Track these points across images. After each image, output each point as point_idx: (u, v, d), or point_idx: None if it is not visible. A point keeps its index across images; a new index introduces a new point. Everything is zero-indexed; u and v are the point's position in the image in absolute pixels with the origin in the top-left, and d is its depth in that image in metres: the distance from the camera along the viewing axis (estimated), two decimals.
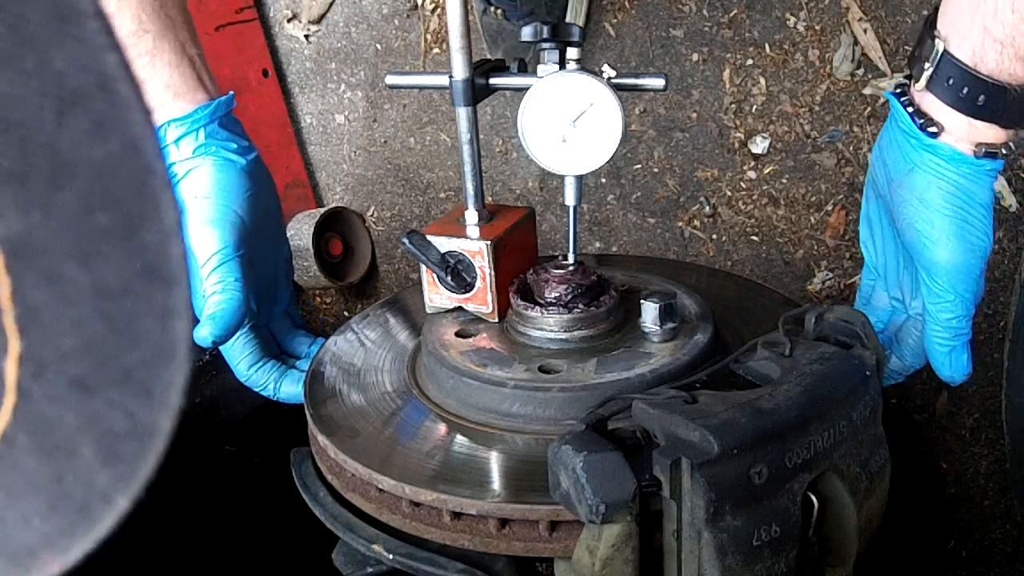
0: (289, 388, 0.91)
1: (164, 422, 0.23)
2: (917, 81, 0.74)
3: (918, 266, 0.77)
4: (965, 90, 0.70)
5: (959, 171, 0.73)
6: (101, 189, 0.21)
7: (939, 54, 0.71)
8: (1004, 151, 0.74)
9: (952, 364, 0.77)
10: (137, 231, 0.21)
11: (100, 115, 0.21)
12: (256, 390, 0.90)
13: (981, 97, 0.70)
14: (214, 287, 0.80)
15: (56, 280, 0.21)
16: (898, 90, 0.78)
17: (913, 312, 0.85)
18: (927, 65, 0.72)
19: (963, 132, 0.73)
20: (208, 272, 0.80)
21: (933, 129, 0.73)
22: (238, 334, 0.86)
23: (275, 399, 0.91)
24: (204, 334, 0.80)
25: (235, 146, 0.82)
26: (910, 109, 0.75)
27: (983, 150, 0.72)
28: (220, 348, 0.86)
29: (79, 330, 0.21)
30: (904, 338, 0.86)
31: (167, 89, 0.79)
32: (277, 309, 0.95)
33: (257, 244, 0.85)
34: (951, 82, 0.71)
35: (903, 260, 0.83)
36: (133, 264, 0.21)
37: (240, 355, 0.89)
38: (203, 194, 0.80)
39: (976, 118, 0.71)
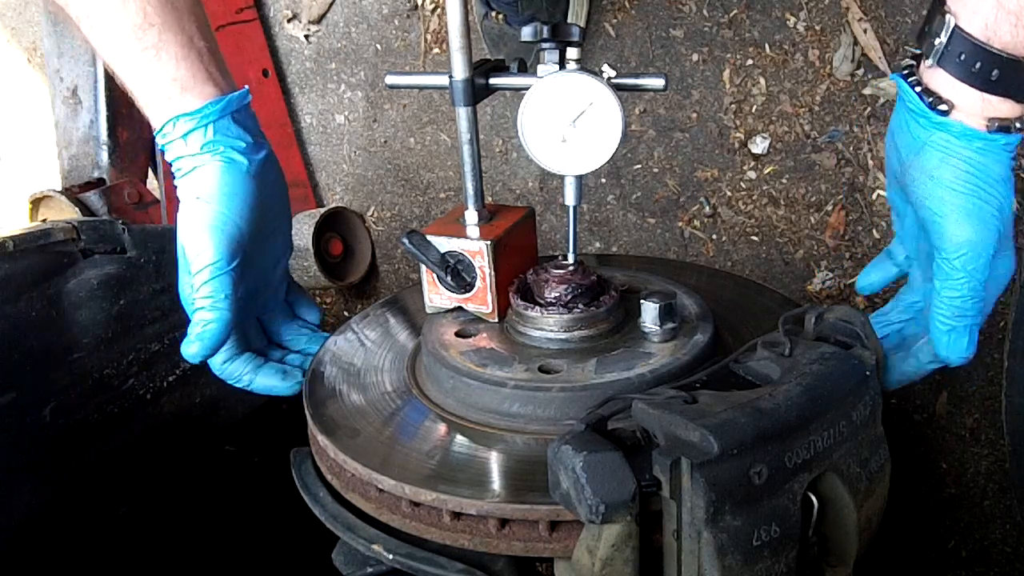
0: (265, 381, 0.90)
1: None
2: (927, 58, 0.73)
3: (932, 245, 0.76)
4: (978, 65, 0.69)
5: (971, 146, 0.71)
6: None
7: (950, 29, 0.70)
8: (1018, 124, 0.72)
9: (949, 345, 0.76)
10: None
11: None
12: (230, 382, 0.90)
13: (995, 72, 0.69)
14: (203, 301, 0.80)
15: None
16: (905, 71, 0.77)
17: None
18: (937, 41, 0.71)
19: (976, 108, 0.71)
20: (200, 283, 0.80)
21: (943, 107, 0.72)
22: None
23: (249, 390, 0.91)
24: (193, 352, 0.81)
25: (244, 145, 0.81)
26: (918, 88, 0.74)
27: (995, 124, 0.71)
28: None
29: None
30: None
31: (174, 83, 0.79)
32: (271, 302, 0.95)
33: (256, 245, 0.85)
34: (963, 57, 0.70)
35: (925, 244, 0.81)
36: None
37: None
38: (205, 196, 0.79)
39: (990, 93, 0.70)
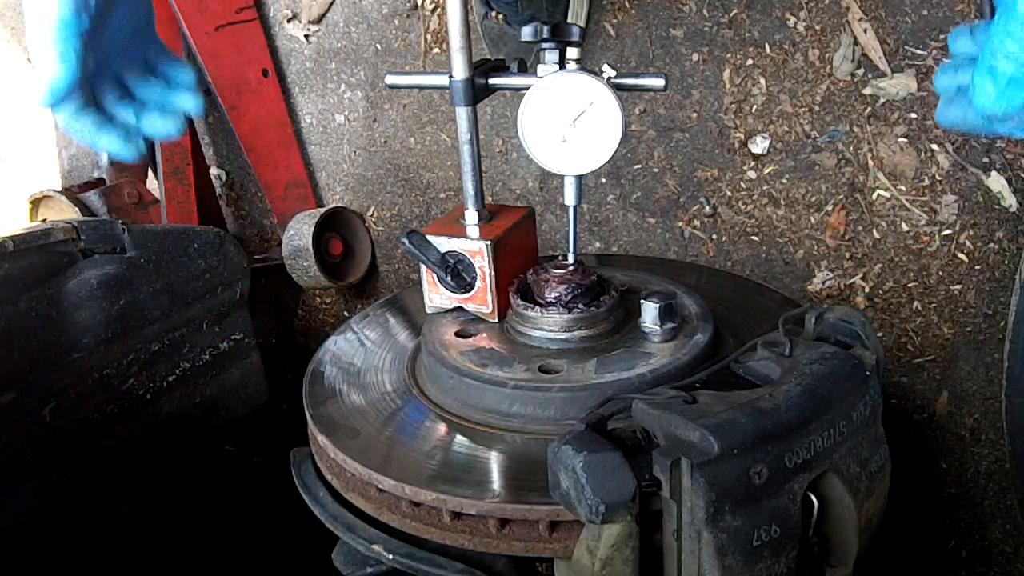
0: (108, 141, 0.91)
1: None
2: None
3: None
4: None
5: None
6: None
7: None
8: None
9: (975, 88, 0.71)
10: None
11: None
12: (75, 137, 0.92)
13: None
14: (53, 55, 0.82)
15: None
16: None
17: None
18: None
19: None
20: (49, 40, 0.82)
21: None
22: None
23: (96, 149, 0.92)
24: (39, 98, 0.83)
25: None
26: None
27: None
28: None
29: None
30: None
31: None
32: (127, 64, 0.96)
33: (108, 7, 0.86)
34: None
35: None
36: None
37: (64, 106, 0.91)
38: None
39: None
